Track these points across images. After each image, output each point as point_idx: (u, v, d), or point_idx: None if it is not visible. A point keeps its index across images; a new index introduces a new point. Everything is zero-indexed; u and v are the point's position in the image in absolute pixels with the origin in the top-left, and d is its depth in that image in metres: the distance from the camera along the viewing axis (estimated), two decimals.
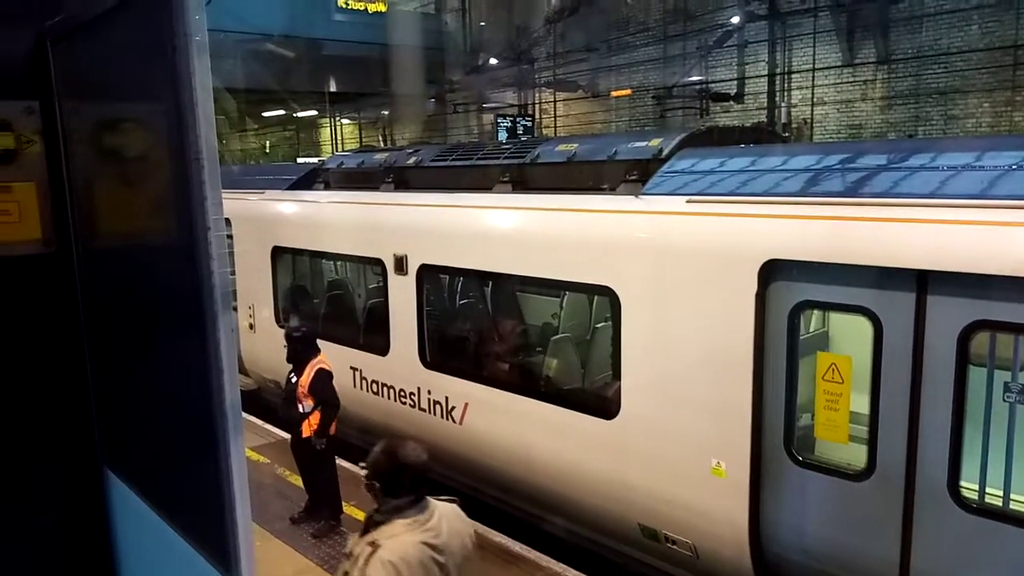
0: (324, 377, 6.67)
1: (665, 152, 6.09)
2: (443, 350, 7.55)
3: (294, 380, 6.73)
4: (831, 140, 16.87)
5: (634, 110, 21.34)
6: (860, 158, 5.20)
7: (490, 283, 7.75)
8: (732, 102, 18.91)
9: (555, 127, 23.25)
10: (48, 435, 2.34)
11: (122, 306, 2.18)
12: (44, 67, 2.21)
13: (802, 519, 4.99)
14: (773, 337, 4.91)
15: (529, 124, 22.63)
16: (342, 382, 6.97)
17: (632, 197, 5.80)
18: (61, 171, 2.27)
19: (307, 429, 6.63)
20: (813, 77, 17.25)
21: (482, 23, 24.87)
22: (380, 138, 28.55)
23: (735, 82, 18.87)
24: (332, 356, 7.06)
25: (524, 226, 6.65)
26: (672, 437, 5.43)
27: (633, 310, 5.60)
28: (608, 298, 5.82)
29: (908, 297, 4.41)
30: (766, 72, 17.96)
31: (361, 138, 31.23)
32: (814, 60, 17.22)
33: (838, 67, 17.07)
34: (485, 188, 7.17)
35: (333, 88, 24.89)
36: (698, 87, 19.21)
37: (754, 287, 4.89)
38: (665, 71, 19.92)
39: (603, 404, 5.92)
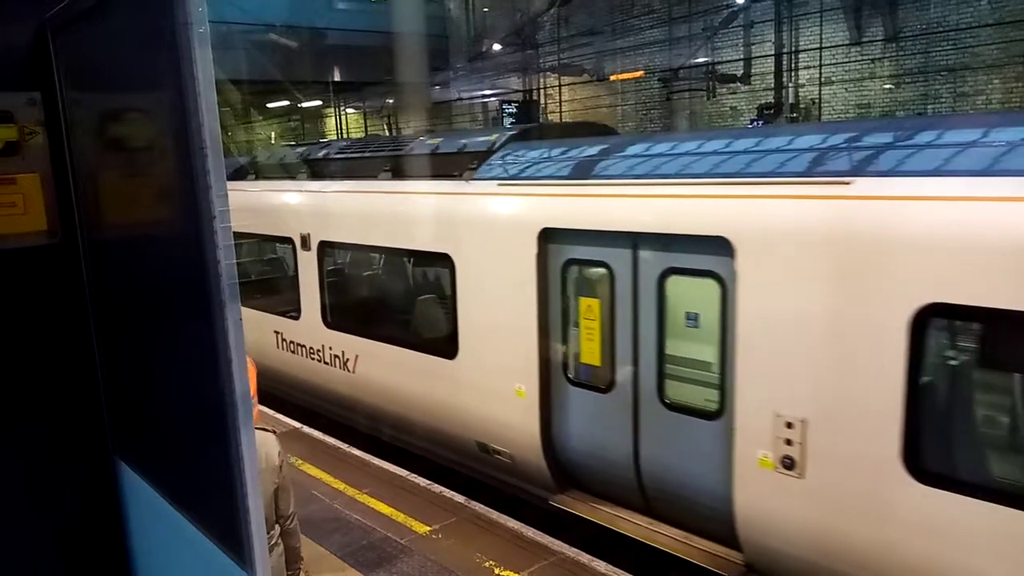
0: None
1: (496, 145, 7.43)
2: (339, 312, 8.85)
3: None
4: (838, 119, 16.74)
5: (640, 93, 21.21)
6: (623, 149, 6.52)
7: (370, 255, 9.17)
8: (739, 83, 18.75)
9: (560, 112, 23.13)
10: (59, 426, 2.35)
11: (129, 297, 2.18)
12: (45, 58, 2.20)
13: (574, 426, 6.37)
14: (551, 288, 6.36)
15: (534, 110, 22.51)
16: (268, 344, 8.98)
17: (465, 182, 7.18)
18: (65, 162, 2.26)
19: None
20: (820, 56, 17.07)
21: (485, 8, 24.71)
22: (385, 127, 28.46)
23: (741, 63, 18.70)
24: (261, 323, 9.20)
25: (391, 207, 8.07)
26: (491, 369, 6.81)
27: (463, 271, 7.00)
28: (447, 262, 7.16)
29: (628, 252, 5.82)
30: (773, 52, 17.79)
31: (366, 127, 31.15)
32: (821, 39, 17.03)
33: (846, 45, 16.89)
34: (373, 176, 8.47)
35: (337, 77, 24.80)
36: (704, 69, 19.05)
37: (535, 249, 6.27)
38: (671, 53, 19.77)
39: (448, 348, 7.23)
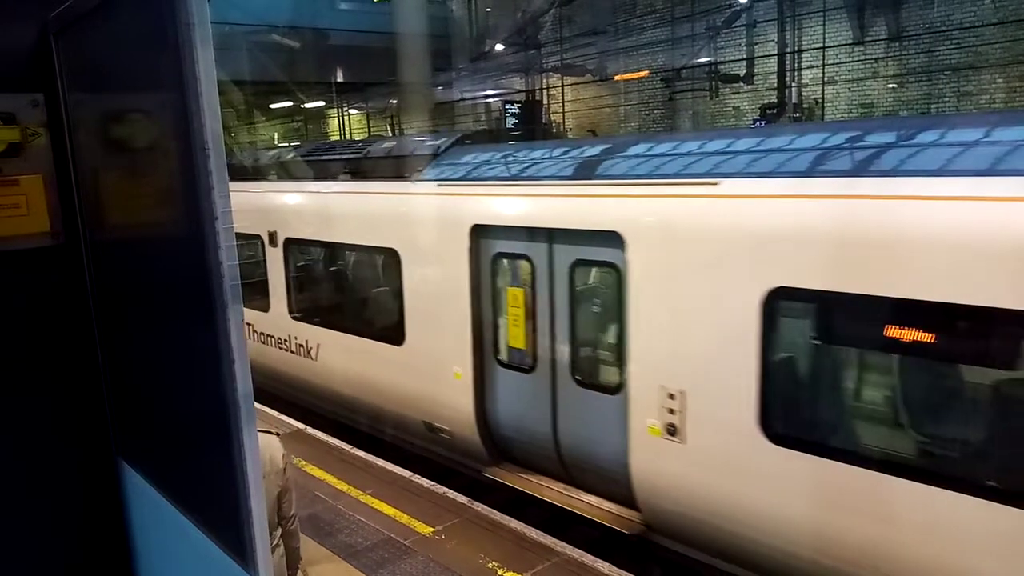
0: None
1: (441, 149, 8.09)
2: (303, 305, 9.54)
3: None
4: (842, 119, 16.70)
5: (643, 93, 21.18)
6: (545, 152, 7.15)
7: (330, 251, 9.67)
8: (742, 83, 18.72)
9: (563, 112, 23.11)
10: (62, 426, 2.35)
11: (132, 298, 2.18)
12: (48, 59, 2.21)
13: (504, 404, 6.96)
14: (483, 279, 6.94)
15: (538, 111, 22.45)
16: None
17: (411, 182, 7.86)
18: (67, 163, 2.26)
19: None
20: (824, 56, 17.04)
21: (488, 8, 24.69)
22: (388, 127, 28.46)
23: (744, 63, 18.67)
24: None
25: (346, 206, 8.72)
26: (433, 354, 7.41)
27: (408, 265, 7.62)
28: (395, 257, 7.76)
29: (544, 246, 6.45)
30: (776, 52, 17.75)
31: (369, 128, 31.15)
32: (824, 38, 17.01)
33: (849, 45, 16.85)
34: (334, 177, 9.18)
35: (340, 78, 24.80)
36: (707, 69, 19.02)
37: (468, 244, 6.86)
38: (673, 53, 19.74)
39: (396, 335, 7.85)
